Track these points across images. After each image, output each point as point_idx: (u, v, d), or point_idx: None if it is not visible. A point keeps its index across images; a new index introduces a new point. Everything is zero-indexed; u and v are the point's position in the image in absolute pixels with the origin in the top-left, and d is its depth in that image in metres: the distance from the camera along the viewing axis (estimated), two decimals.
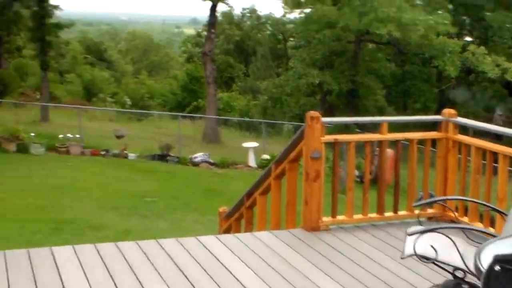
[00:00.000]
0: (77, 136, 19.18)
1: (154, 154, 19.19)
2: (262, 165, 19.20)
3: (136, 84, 40.59)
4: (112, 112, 28.65)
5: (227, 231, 6.99)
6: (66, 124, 22.55)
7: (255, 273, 4.35)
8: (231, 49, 45.48)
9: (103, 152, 18.68)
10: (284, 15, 36.78)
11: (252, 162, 19.71)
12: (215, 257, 4.65)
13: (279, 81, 30.55)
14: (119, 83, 42.08)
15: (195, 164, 18.92)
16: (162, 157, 19.04)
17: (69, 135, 18.85)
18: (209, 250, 4.79)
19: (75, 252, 4.59)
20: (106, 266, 4.33)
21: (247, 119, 30.46)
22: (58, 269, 4.21)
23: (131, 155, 18.78)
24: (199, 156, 19.36)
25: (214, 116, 24.77)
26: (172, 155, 19.27)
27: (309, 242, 5.04)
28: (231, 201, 13.12)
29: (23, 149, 17.74)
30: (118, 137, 19.85)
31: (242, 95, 39.28)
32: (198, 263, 4.50)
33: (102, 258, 4.49)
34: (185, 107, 34.80)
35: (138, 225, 10.59)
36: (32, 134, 18.42)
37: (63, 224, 10.06)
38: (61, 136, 18.97)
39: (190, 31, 70.80)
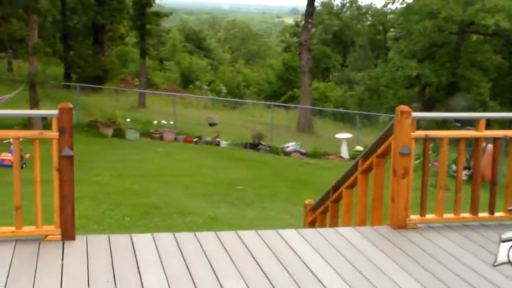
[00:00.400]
0: (171, 122, 19.55)
1: (246, 143, 19.23)
2: (354, 156, 18.77)
3: (232, 72, 40.95)
4: (207, 100, 29.00)
5: (312, 224, 6.81)
6: (161, 111, 23.08)
7: (335, 271, 4.13)
8: (329, 39, 44.98)
9: (195, 139, 18.93)
10: (385, 5, 35.86)
11: (344, 153, 19.32)
12: (295, 252, 4.46)
13: (375, 72, 29.84)
14: (216, 71, 42.64)
15: (287, 154, 18.79)
16: (254, 146, 19.05)
17: (163, 121, 19.26)
18: (289, 245, 4.61)
19: (153, 239, 4.53)
20: (183, 256, 4.24)
21: (342, 109, 29.99)
22: (135, 255, 4.17)
23: (223, 143, 18.92)
24: (290, 145, 19.21)
25: (308, 106, 24.50)
26: (264, 144, 19.24)
27: (394, 240, 4.75)
28: (320, 192, 12.85)
29: (119, 134, 18.28)
30: (211, 124, 20.08)
31: (338, 86, 38.73)
32: (277, 257, 4.32)
33: (180, 247, 4.41)
34: (280, 96, 34.76)
35: (226, 213, 10.57)
36: (128, 119, 18.98)
37: (152, 209, 10.20)
38: (155, 122, 19.42)
39: (289, 21, 70.79)
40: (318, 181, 14.62)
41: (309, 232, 5.09)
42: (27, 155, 13.35)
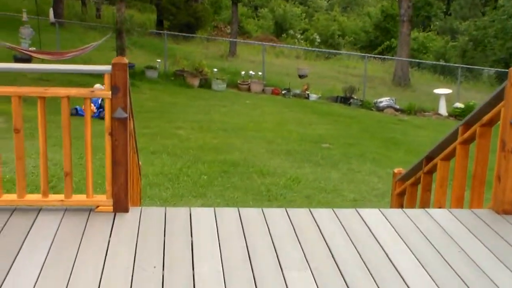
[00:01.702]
0: (259, 73, 18.95)
1: (336, 96, 18.39)
2: (454, 113, 17.61)
3: (327, 20, 39.52)
4: (299, 49, 28.10)
5: (401, 195, 6.11)
6: (251, 60, 22.53)
7: (420, 262, 3.49)
8: None
9: (283, 91, 18.27)
10: None
11: (442, 110, 18.11)
12: (375, 237, 3.82)
13: (483, 21, 27.71)
14: (311, 19, 41.37)
15: (379, 109, 17.83)
16: (345, 100, 18.18)
17: (251, 72, 18.68)
18: (369, 228, 3.99)
19: (214, 214, 4.01)
20: (245, 237, 3.70)
21: (443, 62, 28.26)
22: (191, 234, 3.66)
23: (313, 96, 18.16)
24: (384, 100, 18.20)
25: (405, 59, 23.13)
26: (355, 98, 18.33)
27: (497, 228, 4.02)
28: (414, 153, 12.05)
29: (205, 84, 17.91)
30: (301, 76, 19.31)
31: (439, 36, 36.58)
32: (353, 244, 3.71)
33: (242, 225, 3.87)
34: (377, 47, 33.27)
35: (309, 174, 9.96)
36: (215, 69, 18.53)
37: (231, 167, 9.75)
38: (243, 72, 18.88)
39: None
40: (412, 141, 13.71)
41: (394, 212, 4.39)
42: None
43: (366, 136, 13.72)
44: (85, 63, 17.99)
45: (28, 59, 16.12)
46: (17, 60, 16.44)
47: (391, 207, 6.40)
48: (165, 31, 23.27)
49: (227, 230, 3.81)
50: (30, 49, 15.69)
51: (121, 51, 16.27)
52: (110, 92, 3.79)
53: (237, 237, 3.72)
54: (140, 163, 6.07)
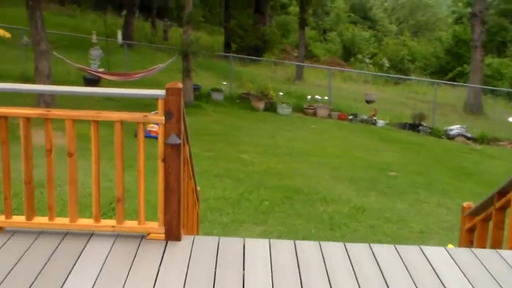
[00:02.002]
0: (325, 98, 18.70)
1: (405, 123, 17.89)
2: None
3: (396, 45, 38.88)
4: (367, 74, 27.68)
5: (471, 231, 5.74)
6: (318, 84, 22.33)
7: None
8: (508, 9, 41.09)
9: (350, 117, 17.94)
10: None
11: None
12: (439, 278, 3.56)
13: None
14: (380, 44, 40.84)
15: (450, 137, 17.21)
16: (414, 127, 17.66)
17: (317, 96, 18.45)
18: (432, 266, 3.72)
19: (269, 247, 3.83)
20: (299, 271, 3.50)
21: None
22: (244, 267, 3.49)
23: (380, 122, 17.74)
24: (455, 128, 17.57)
25: (478, 86, 22.33)
26: (424, 125, 17.77)
27: None
28: (486, 184, 11.49)
29: (270, 108, 17.80)
30: (368, 102, 18.93)
31: None
32: (414, 282, 3.47)
33: (298, 260, 3.67)
34: (448, 73, 32.40)
35: (374, 203, 9.62)
36: (281, 93, 18.41)
37: (294, 193, 9.54)
38: (309, 97, 18.68)
39: None
40: (484, 171, 13.11)
41: (461, 252, 4.08)
42: None
43: (435, 165, 13.23)
44: (152, 84, 18.28)
45: (97, 80, 16.51)
46: (87, 80, 16.88)
47: (460, 243, 6.04)
48: (232, 53, 23.43)
49: (281, 264, 3.63)
50: (99, 70, 16.05)
51: (187, 73, 16.40)
52: (163, 118, 3.69)
53: (291, 272, 3.52)
54: (198, 188, 5.96)
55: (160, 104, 3.70)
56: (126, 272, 3.41)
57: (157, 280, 3.35)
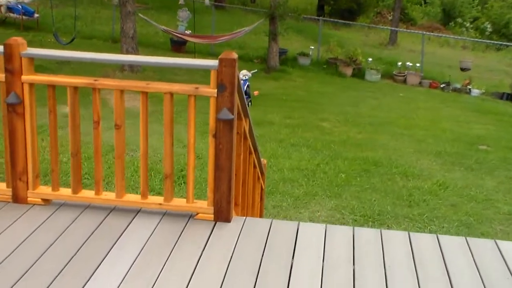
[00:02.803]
0: (417, 65, 17.82)
1: (502, 93, 16.79)
2: None
3: (502, 8, 36.50)
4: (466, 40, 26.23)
5: None
6: (413, 49, 21.37)
7: None
8: None
9: (442, 85, 17.03)
10: None
11: None
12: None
13: None
14: (483, 7, 38.50)
15: None
16: None
17: (408, 63, 17.61)
18: (507, 266, 3.32)
19: (325, 233, 3.55)
20: (354, 260, 3.22)
21: None
22: (294, 253, 3.24)
23: (475, 91, 16.73)
24: None
25: None
26: None
27: None
28: None
29: (358, 74, 17.19)
30: (463, 69, 17.89)
31: None
32: (483, 282, 3.11)
33: (354, 249, 3.39)
34: None
35: (459, 179, 9.04)
36: (370, 59, 17.71)
37: (373, 166, 9.11)
38: (399, 63, 17.87)
39: None
40: None
41: None
42: (256, 92, 13.13)
43: None
44: (239, 47, 18.12)
45: (183, 42, 16.51)
46: (173, 43, 16.93)
47: None
48: (325, 16, 22.78)
49: (335, 253, 3.34)
50: (185, 32, 16.02)
51: (273, 37, 16.06)
52: (215, 90, 3.45)
53: (345, 262, 3.23)
54: (264, 161, 5.72)
55: (213, 75, 3.46)
56: (168, 252, 3.26)
57: (199, 262, 3.17)
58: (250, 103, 12.25)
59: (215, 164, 3.57)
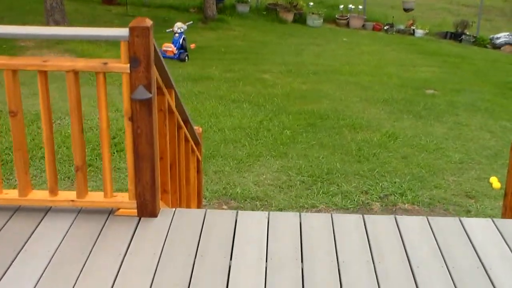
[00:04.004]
0: (360, 7, 17.33)
1: (446, 32, 16.54)
2: None
3: None
4: None
5: None
6: None
7: None
8: None
9: (386, 27, 16.64)
10: None
11: None
12: (477, 254, 2.80)
13: None
14: None
15: (496, 47, 15.88)
16: (456, 36, 16.32)
17: (350, 5, 17.09)
18: (470, 240, 2.94)
19: (268, 221, 3.08)
20: (302, 247, 2.77)
21: None
22: (232, 251, 2.76)
23: (418, 32, 16.42)
24: (502, 36, 16.19)
25: None
26: (468, 34, 16.40)
27: None
28: None
29: (300, 19, 16.58)
30: (406, 10, 17.51)
31: None
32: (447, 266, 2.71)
33: (301, 233, 2.94)
34: None
35: (408, 128, 8.72)
36: (311, 3, 17.07)
37: (319, 119, 8.68)
38: (341, 6, 17.33)
39: None
40: None
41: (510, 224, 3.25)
42: (192, 46, 12.42)
43: (478, 80, 12.10)
44: None
45: None
46: None
47: (508, 183, 5.17)
48: None
49: (280, 248, 2.87)
50: None
51: None
52: (127, 65, 2.87)
53: (291, 260, 2.77)
54: (199, 129, 5.18)
55: (124, 48, 2.87)
56: (84, 257, 2.75)
57: (121, 266, 2.67)
58: (187, 58, 11.57)
59: (135, 152, 3.02)
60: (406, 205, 6.33)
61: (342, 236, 2.98)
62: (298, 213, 3.20)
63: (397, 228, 3.08)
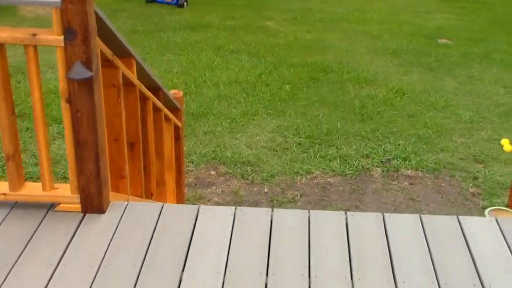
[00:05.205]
0: None
1: None
2: None
3: None
4: None
5: None
6: None
7: None
8: None
9: None
10: None
11: None
12: (475, 265, 2.35)
13: None
14: None
15: None
16: None
17: None
18: (466, 242, 2.50)
19: (234, 217, 2.64)
20: (269, 248, 2.35)
21: None
22: (188, 251, 2.33)
23: None
24: None
25: None
26: None
27: None
28: None
29: None
30: None
31: None
32: (432, 261, 2.31)
33: (271, 231, 2.50)
34: None
35: (417, 82, 8.16)
36: None
37: (322, 73, 8.13)
38: None
39: None
40: None
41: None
42: None
43: (495, 28, 11.35)
44: None
45: None
46: None
47: None
48: None
49: (244, 256, 2.44)
50: None
51: None
52: (61, 38, 2.38)
53: (254, 272, 2.34)
54: (180, 93, 4.68)
55: (56, 16, 2.37)
56: (14, 259, 2.36)
57: (51, 280, 2.26)
58: (185, 3, 10.93)
59: (75, 139, 2.56)
60: (409, 170, 5.88)
61: (319, 242, 2.54)
62: (269, 210, 2.76)
63: (384, 231, 2.63)
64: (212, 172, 5.66)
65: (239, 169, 5.69)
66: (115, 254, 2.42)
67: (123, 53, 2.95)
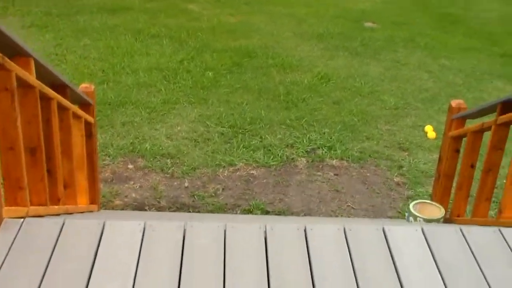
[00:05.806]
0: None
1: None
2: None
3: None
4: None
5: (458, 139, 4.36)
6: None
7: None
8: None
9: None
10: None
11: None
12: (398, 276, 2.22)
13: None
14: None
15: None
16: None
17: None
18: (391, 255, 2.34)
19: (143, 231, 2.39)
20: (182, 263, 2.13)
21: None
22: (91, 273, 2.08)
23: None
24: None
25: None
26: None
27: None
28: (476, 36, 9.90)
29: None
30: None
31: None
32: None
33: (184, 247, 2.27)
34: None
35: (342, 68, 8.06)
36: None
37: (246, 58, 7.90)
38: None
39: None
40: (475, 18, 11.37)
41: (442, 230, 2.66)
42: None
43: (419, 11, 11.42)
44: None
45: None
46: None
47: (442, 149, 4.64)
48: None
49: (153, 274, 2.20)
50: None
51: None
52: None
53: (169, 285, 2.11)
54: (91, 87, 4.34)
55: None
56: None
57: None
58: None
59: None
60: (334, 160, 5.75)
61: (236, 259, 2.32)
62: (182, 224, 2.52)
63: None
64: (130, 166, 5.35)
65: (158, 162, 5.41)
66: (2, 285, 2.14)
67: (17, 53, 2.63)
